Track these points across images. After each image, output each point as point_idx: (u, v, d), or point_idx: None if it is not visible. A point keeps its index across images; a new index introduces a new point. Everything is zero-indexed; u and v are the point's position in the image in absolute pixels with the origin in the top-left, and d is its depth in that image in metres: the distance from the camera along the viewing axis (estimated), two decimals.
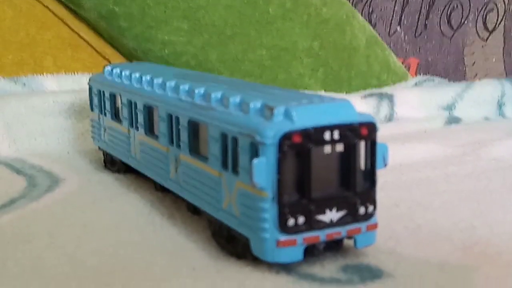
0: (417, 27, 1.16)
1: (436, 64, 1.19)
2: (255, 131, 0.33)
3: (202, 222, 0.42)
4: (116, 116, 0.53)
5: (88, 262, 0.37)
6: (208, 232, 0.41)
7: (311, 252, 0.35)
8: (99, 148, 0.58)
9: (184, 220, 0.44)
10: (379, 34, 1.00)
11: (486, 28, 1.22)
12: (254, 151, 0.33)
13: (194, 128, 0.40)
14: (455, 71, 1.21)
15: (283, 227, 0.33)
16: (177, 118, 0.42)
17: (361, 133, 0.34)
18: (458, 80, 1.16)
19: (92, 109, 0.58)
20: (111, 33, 0.82)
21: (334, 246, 0.36)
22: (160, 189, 0.48)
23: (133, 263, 0.37)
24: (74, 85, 0.75)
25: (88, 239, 0.41)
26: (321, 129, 0.33)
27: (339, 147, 0.34)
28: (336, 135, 0.34)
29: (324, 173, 0.34)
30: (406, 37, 1.16)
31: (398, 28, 1.14)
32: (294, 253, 0.34)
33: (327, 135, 0.33)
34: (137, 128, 0.49)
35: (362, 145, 0.35)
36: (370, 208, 0.35)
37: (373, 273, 0.35)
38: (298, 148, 0.33)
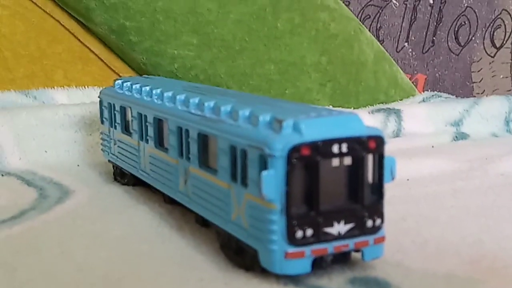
0: (424, 43, 1.16)
1: (443, 80, 1.19)
2: (264, 144, 0.34)
3: (210, 235, 0.42)
4: (126, 129, 0.54)
5: (97, 271, 0.37)
6: (216, 244, 0.41)
7: (319, 264, 0.35)
8: (109, 161, 0.58)
9: (192, 232, 0.44)
10: (386, 50, 1.00)
11: (493, 44, 1.23)
12: (263, 163, 0.34)
13: (204, 140, 0.41)
14: (462, 87, 1.21)
15: (291, 239, 0.33)
16: (187, 131, 0.42)
17: (369, 146, 0.35)
18: (465, 96, 1.16)
19: (102, 122, 0.58)
20: (121, 47, 0.83)
21: (342, 259, 0.36)
22: (169, 202, 0.48)
23: (142, 273, 0.37)
24: (84, 98, 0.76)
25: (97, 249, 0.41)
26: (329, 142, 0.34)
27: (347, 160, 0.35)
28: (344, 148, 0.34)
29: (332, 185, 0.34)
30: (413, 53, 1.16)
31: (406, 44, 1.14)
32: (302, 265, 0.34)
33: (335, 148, 0.34)
34: (147, 141, 0.49)
35: (370, 158, 0.35)
36: (378, 221, 0.36)
37: (381, 286, 0.35)
38: (307, 160, 0.33)
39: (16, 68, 0.80)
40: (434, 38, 1.17)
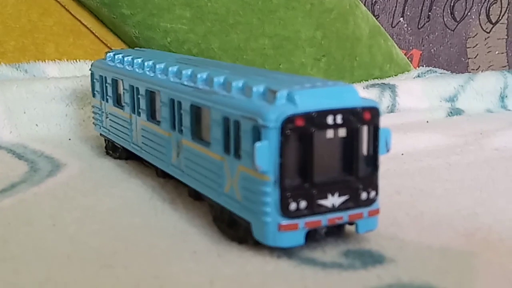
0: (420, 18, 1.15)
1: (439, 56, 1.19)
2: (257, 115, 0.33)
3: (203, 208, 0.42)
4: (118, 102, 0.53)
5: (90, 244, 0.37)
6: (209, 217, 0.41)
7: (313, 236, 0.35)
8: (101, 134, 0.58)
9: (185, 205, 0.44)
10: (382, 25, 0.99)
11: (489, 20, 1.22)
12: (257, 134, 0.33)
13: (196, 112, 0.40)
14: (457, 63, 1.21)
15: (284, 211, 0.33)
16: (179, 103, 0.42)
17: (364, 117, 0.34)
18: (460, 72, 1.16)
19: (94, 95, 0.57)
20: (113, 21, 0.82)
21: (336, 231, 0.36)
22: (162, 175, 0.48)
23: (135, 245, 0.37)
24: (76, 72, 0.75)
25: (89, 222, 0.41)
26: (323, 113, 0.33)
27: (342, 132, 0.34)
28: (339, 119, 0.34)
29: (326, 157, 0.34)
30: (409, 28, 1.15)
31: (401, 19, 1.13)
32: (296, 238, 0.34)
33: (329, 119, 0.33)
34: (139, 113, 0.48)
35: (365, 129, 0.35)
36: (372, 193, 0.35)
37: (375, 258, 0.35)
38: (301, 132, 0.33)
39: (6, 41, 0.79)
40: (429, 13, 1.16)
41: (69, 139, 0.63)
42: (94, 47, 0.83)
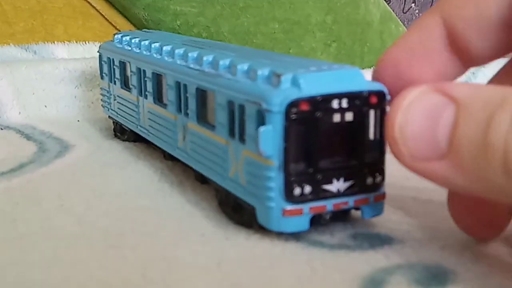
0: (432, 4, 1.14)
1: None
2: (261, 99, 0.33)
3: (211, 191, 0.42)
4: (125, 84, 0.53)
5: (98, 224, 0.37)
6: (216, 201, 0.40)
7: (318, 222, 0.34)
8: (109, 117, 0.58)
9: (193, 188, 0.43)
10: (393, 11, 0.98)
11: None
12: (261, 119, 0.33)
13: (202, 96, 0.40)
14: None
15: (289, 196, 0.33)
16: (185, 86, 0.41)
17: (370, 101, 0.33)
18: None
19: (102, 78, 0.57)
20: (122, 3, 0.82)
21: (341, 217, 0.36)
22: (169, 158, 0.47)
23: (142, 226, 0.37)
24: (85, 54, 0.75)
25: (97, 202, 0.41)
26: (329, 97, 0.32)
27: (348, 116, 0.33)
28: (344, 103, 0.33)
29: (331, 142, 0.33)
30: (420, 14, 1.14)
31: (413, 5, 1.12)
32: (300, 223, 0.33)
33: (335, 103, 0.33)
34: (145, 96, 0.48)
35: (371, 114, 0.34)
36: (378, 178, 0.35)
37: (383, 240, 0.35)
38: (305, 116, 0.32)
39: (16, 23, 0.78)
40: None
41: (78, 121, 0.63)
42: (103, 29, 0.83)
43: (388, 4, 1.03)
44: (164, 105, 0.45)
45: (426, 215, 0.39)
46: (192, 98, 0.40)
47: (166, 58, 0.45)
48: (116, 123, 0.57)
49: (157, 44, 0.47)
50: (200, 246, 0.35)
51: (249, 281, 0.31)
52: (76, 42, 0.78)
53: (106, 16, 0.83)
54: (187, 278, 0.31)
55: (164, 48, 0.46)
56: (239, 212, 0.37)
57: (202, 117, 0.40)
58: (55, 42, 0.77)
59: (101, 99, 0.58)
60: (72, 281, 0.30)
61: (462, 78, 0.81)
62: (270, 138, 0.32)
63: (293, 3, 0.84)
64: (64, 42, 0.77)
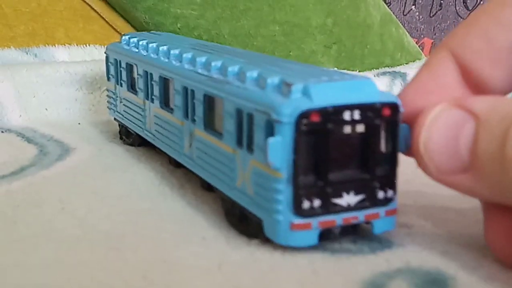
0: (432, 6, 1.14)
1: None
2: (271, 108, 0.32)
3: (212, 195, 0.42)
4: (132, 87, 0.52)
5: (99, 227, 0.37)
6: (218, 204, 0.40)
7: (327, 236, 0.33)
8: (115, 119, 0.57)
9: (194, 191, 0.43)
10: (393, 13, 0.98)
11: None
12: (270, 129, 0.32)
13: (210, 102, 0.39)
14: None
15: (297, 210, 0.32)
16: (193, 92, 0.40)
17: (383, 113, 0.32)
18: None
19: (108, 79, 0.57)
20: (123, 5, 0.82)
21: (351, 231, 0.34)
22: (175, 164, 0.46)
23: (143, 229, 0.37)
24: (85, 57, 0.75)
25: (98, 205, 0.41)
26: (341, 109, 0.31)
27: (359, 128, 0.32)
28: (356, 115, 0.32)
29: (342, 154, 0.33)
30: (420, 16, 1.14)
31: (413, 7, 1.13)
32: (309, 237, 0.32)
33: (347, 115, 0.32)
34: (152, 100, 0.47)
35: (383, 126, 0.33)
36: (390, 192, 0.34)
37: (384, 244, 0.35)
38: (316, 127, 0.31)
39: (16, 26, 0.78)
40: (441, 1, 1.15)
41: (79, 124, 0.63)
42: (103, 32, 0.83)
43: (388, 6, 1.03)
44: (171, 110, 0.44)
45: (427, 220, 0.39)
46: (200, 104, 0.39)
47: (173, 62, 0.44)
48: (121, 126, 0.56)
49: (165, 48, 0.46)
50: (201, 249, 0.35)
51: (250, 284, 0.31)
52: (77, 45, 0.78)
53: (106, 19, 0.83)
54: (188, 280, 0.31)
55: (172, 51, 0.45)
56: (245, 223, 0.36)
57: (209, 124, 0.39)
58: (56, 45, 0.77)
59: (107, 101, 0.58)
60: (73, 284, 0.30)
61: None
62: (279, 150, 0.31)
63: (294, 6, 0.85)
64: (64, 45, 0.77)
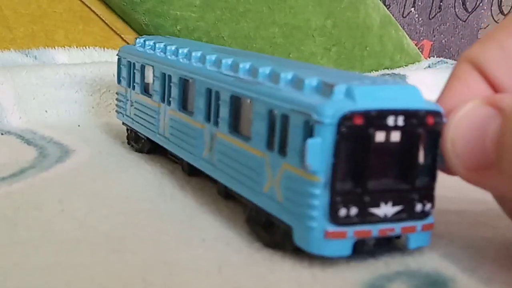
0: (431, 9, 1.15)
1: (449, 47, 1.18)
2: (311, 109, 0.30)
3: (212, 195, 0.42)
4: (145, 89, 0.50)
5: (99, 228, 0.37)
6: (218, 204, 0.40)
7: (360, 248, 0.31)
8: (123, 123, 0.55)
9: (194, 192, 0.43)
10: (393, 15, 0.99)
11: (501, 11, 1.21)
12: (309, 130, 0.30)
13: (236, 104, 0.37)
14: None
15: (333, 217, 0.30)
16: (217, 93, 0.38)
17: (426, 122, 0.31)
18: None
19: (119, 82, 0.55)
20: (122, 8, 0.82)
21: (385, 244, 0.33)
22: (188, 171, 0.45)
23: (143, 231, 0.37)
24: (85, 59, 0.75)
25: (98, 207, 0.41)
26: (385, 113, 0.30)
27: (402, 135, 0.30)
28: (400, 121, 0.30)
29: (382, 162, 0.31)
30: (420, 18, 1.14)
31: (413, 9, 1.13)
32: (343, 247, 0.31)
33: (390, 120, 0.30)
34: (169, 102, 0.45)
35: (426, 135, 0.31)
36: (428, 206, 0.32)
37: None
38: (358, 131, 0.29)
39: (16, 28, 0.79)
40: (441, 3, 1.15)
41: (78, 126, 0.63)
42: (103, 34, 0.83)
43: (387, 8, 1.03)
44: (190, 113, 0.42)
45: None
46: (225, 106, 0.37)
47: (195, 64, 0.43)
48: (130, 130, 0.54)
49: (185, 49, 0.45)
50: (201, 250, 0.34)
51: (250, 287, 0.31)
52: (77, 47, 0.78)
53: (106, 21, 0.83)
54: (188, 282, 0.31)
55: (194, 53, 0.43)
56: (270, 231, 0.34)
57: (235, 127, 0.37)
58: (56, 47, 0.77)
59: (116, 104, 0.56)
60: (73, 286, 0.30)
61: None
62: (318, 152, 0.29)
63: (293, 7, 0.85)
64: (64, 47, 0.77)
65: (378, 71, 0.89)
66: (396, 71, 0.84)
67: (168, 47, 0.47)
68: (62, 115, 0.65)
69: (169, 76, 0.45)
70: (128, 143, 0.55)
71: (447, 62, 0.96)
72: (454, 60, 1.06)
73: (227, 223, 0.38)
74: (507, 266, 0.33)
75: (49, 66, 0.68)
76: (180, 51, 0.45)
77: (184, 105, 0.44)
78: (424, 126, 0.31)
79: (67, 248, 0.35)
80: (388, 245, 0.33)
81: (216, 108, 0.39)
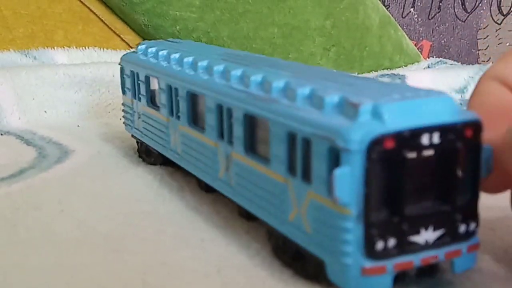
0: (430, 9, 1.15)
1: (449, 47, 1.18)
2: (335, 134, 0.26)
3: (211, 196, 0.42)
4: (152, 101, 0.47)
5: (98, 229, 0.37)
6: (217, 206, 0.40)
7: (402, 279, 0.29)
8: (132, 136, 0.52)
9: (193, 193, 0.43)
10: (392, 16, 0.99)
11: (500, 11, 1.21)
12: (334, 158, 0.27)
13: (251, 123, 0.33)
14: (468, 54, 1.20)
15: (370, 252, 0.27)
16: (229, 110, 0.35)
17: (464, 135, 0.28)
18: (471, 63, 1.15)
19: (124, 92, 0.52)
20: (122, 8, 0.82)
21: (428, 271, 0.30)
22: (206, 189, 0.42)
23: (142, 231, 0.37)
24: (85, 59, 0.75)
25: (98, 207, 0.41)
26: (418, 132, 0.27)
27: (439, 153, 0.27)
28: (435, 138, 0.27)
29: (419, 184, 0.28)
30: (419, 19, 1.15)
31: (412, 10, 1.13)
32: (382, 282, 0.27)
33: (425, 139, 0.27)
34: (178, 117, 0.42)
35: (465, 149, 0.28)
36: (472, 225, 0.29)
37: None
38: (391, 155, 0.26)
39: (16, 28, 0.79)
40: (440, 4, 1.15)
41: (78, 126, 0.63)
42: (103, 35, 0.83)
43: (387, 8, 1.03)
44: (202, 129, 0.38)
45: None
46: (239, 125, 0.34)
47: (202, 75, 0.39)
48: (140, 143, 0.51)
49: (190, 58, 0.41)
50: (200, 251, 0.35)
51: None
52: (76, 47, 0.78)
53: (106, 22, 0.83)
54: (187, 283, 0.31)
55: (200, 63, 0.39)
56: (300, 262, 0.31)
57: (251, 148, 0.34)
58: (55, 47, 0.77)
59: (123, 116, 0.54)
60: (72, 286, 0.30)
61: (461, 84, 0.81)
62: (347, 183, 0.26)
63: (292, 8, 0.85)
64: (64, 47, 0.77)
65: (377, 71, 0.89)
66: (396, 71, 0.84)
67: (172, 56, 0.44)
68: (62, 116, 0.65)
69: (176, 89, 0.42)
70: (140, 157, 0.52)
71: (446, 63, 0.96)
72: (454, 60, 1.06)
73: (226, 223, 0.38)
74: (503, 270, 0.33)
75: (48, 66, 0.68)
76: (185, 60, 0.42)
77: (194, 120, 0.40)
78: (462, 140, 0.28)
79: (67, 248, 0.35)
80: (432, 273, 0.30)
81: (229, 126, 0.35)
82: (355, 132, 0.26)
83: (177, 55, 0.43)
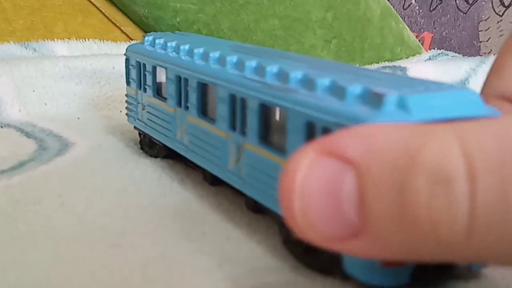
0: (432, 1, 1.14)
1: (450, 39, 1.18)
2: (359, 123, 0.26)
3: (212, 189, 0.42)
4: (158, 92, 0.47)
5: (98, 223, 0.37)
6: (218, 199, 0.40)
7: (418, 276, 0.28)
8: (135, 127, 0.52)
9: (194, 186, 0.43)
10: (393, 7, 0.98)
11: (502, 3, 1.20)
12: None
13: (266, 113, 0.33)
14: (469, 46, 1.20)
15: None
16: (243, 100, 0.35)
17: None
18: (472, 55, 1.15)
19: (128, 83, 0.52)
20: (122, 0, 0.81)
21: (446, 270, 0.30)
22: (210, 181, 0.42)
23: (143, 225, 0.37)
24: (85, 51, 0.75)
25: (98, 201, 0.41)
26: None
27: None
28: None
29: None
30: (420, 10, 1.14)
31: (413, 1, 1.12)
32: (401, 275, 0.27)
33: None
34: (186, 108, 0.42)
35: None
36: None
37: None
38: None
39: (15, 20, 0.78)
40: None
41: (78, 118, 0.63)
42: (103, 27, 0.83)
43: (388, 0, 1.02)
44: (212, 120, 0.38)
45: None
46: (253, 115, 0.34)
47: (214, 66, 0.39)
48: (143, 135, 0.51)
49: (201, 49, 0.41)
50: (201, 244, 0.34)
51: (249, 283, 0.30)
52: (76, 39, 0.78)
53: (106, 13, 0.83)
54: (187, 278, 0.31)
55: (211, 54, 0.39)
56: (313, 255, 0.31)
57: (265, 138, 0.34)
58: (55, 39, 0.77)
59: (126, 107, 0.53)
60: (72, 280, 0.30)
61: (462, 76, 0.81)
62: None
63: (293, 0, 0.84)
64: (64, 39, 0.77)
65: (378, 63, 0.89)
66: (397, 63, 0.84)
67: (182, 47, 0.43)
68: (62, 108, 0.65)
69: (186, 80, 0.41)
70: (142, 149, 0.52)
71: (447, 54, 0.96)
72: (455, 52, 1.06)
73: (227, 216, 0.38)
74: (503, 272, 0.32)
75: (48, 58, 0.68)
76: (195, 50, 0.42)
77: (204, 111, 0.40)
78: None
79: (67, 242, 0.35)
80: (450, 271, 0.30)
81: (242, 116, 0.35)
82: (381, 121, 0.25)
83: (186, 46, 0.43)
